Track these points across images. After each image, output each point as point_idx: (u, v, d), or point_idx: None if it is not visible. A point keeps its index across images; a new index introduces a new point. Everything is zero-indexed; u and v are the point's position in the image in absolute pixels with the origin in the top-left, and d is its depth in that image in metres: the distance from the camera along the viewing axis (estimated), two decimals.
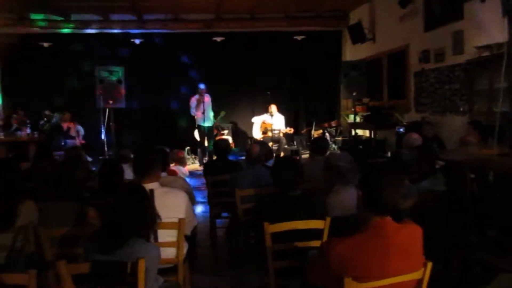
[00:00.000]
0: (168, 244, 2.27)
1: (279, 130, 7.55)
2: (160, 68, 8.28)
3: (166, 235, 2.28)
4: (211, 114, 7.42)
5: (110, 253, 1.69)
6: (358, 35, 7.79)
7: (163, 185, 2.39)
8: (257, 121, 7.81)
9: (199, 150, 7.44)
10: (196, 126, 7.33)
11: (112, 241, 1.72)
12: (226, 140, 4.04)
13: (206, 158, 7.14)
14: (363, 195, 1.55)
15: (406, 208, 1.54)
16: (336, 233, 1.76)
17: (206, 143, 7.35)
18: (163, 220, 2.23)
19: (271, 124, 7.28)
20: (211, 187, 3.46)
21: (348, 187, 2.42)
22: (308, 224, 2.11)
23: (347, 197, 2.41)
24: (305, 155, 7.44)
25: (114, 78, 6.25)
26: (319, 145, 3.67)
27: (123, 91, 6.29)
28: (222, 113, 7.64)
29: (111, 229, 1.74)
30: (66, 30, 7.52)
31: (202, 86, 7.07)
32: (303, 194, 2.29)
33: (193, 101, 7.10)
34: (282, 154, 7.26)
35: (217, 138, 7.76)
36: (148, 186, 2.26)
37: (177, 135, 8.25)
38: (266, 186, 2.74)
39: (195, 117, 7.24)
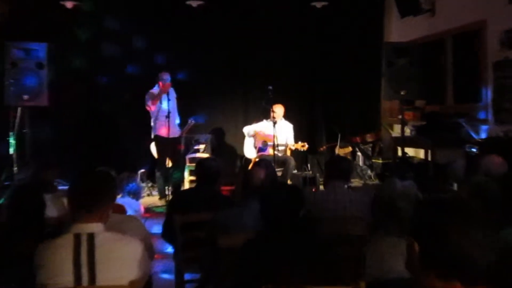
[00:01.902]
0: None
1: (286, 146, 7.59)
2: (102, 48, 8.34)
3: None
4: (178, 119, 7.48)
5: None
6: (409, 5, 7.97)
7: (109, 227, 2.42)
8: (251, 131, 7.88)
9: (158, 174, 7.45)
10: (153, 136, 7.36)
11: None
12: (217, 161, 4.09)
13: (169, 188, 7.14)
14: (419, 248, 1.59)
15: (482, 267, 1.59)
16: None
17: (169, 164, 7.36)
18: (106, 282, 2.27)
19: (273, 137, 7.29)
20: (180, 232, 3.48)
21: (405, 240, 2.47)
22: None
23: (400, 254, 2.46)
24: None
25: (32, 61, 6.28)
26: (338, 167, 3.75)
27: (45, 81, 6.31)
28: (191, 121, 7.66)
29: None
30: None
31: (166, 76, 7.12)
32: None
33: (151, 94, 7.14)
34: (288, 183, 7.28)
35: (190, 156, 7.83)
36: (88, 228, 2.30)
37: (125, 150, 8.26)
38: None
39: (153, 123, 7.27)
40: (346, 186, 3.82)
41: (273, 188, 2.79)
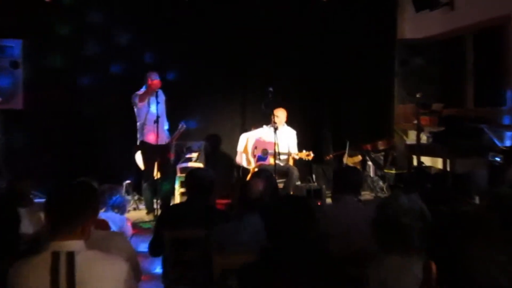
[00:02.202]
0: None
1: (288, 155, 7.59)
2: (84, 45, 8.34)
3: None
4: (166, 124, 7.50)
5: None
6: None
7: (90, 245, 2.42)
8: (241, 146, 7.83)
9: (145, 185, 7.44)
10: (139, 143, 7.35)
11: None
12: (211, 172, 4.10)
13: (158, 201, 7.14)
14: (437, 269, 1.59)
15: None
16: None
17: (157, 175, 7.34)
18: None
19: (274, 144, 7.28)
20: (170, 249, 3.48)
21: (410, 259, 2.48)
22: None
23: (405, 275, 2.46)
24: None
25: (6, 59, 6.29)
26: (347, 179, 3.78)
27: (20, 81, 6.32)
28: (182, 126, 7.65)
29: None
30: None
31: (154, 76, 7.12)
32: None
33: (138, 100, 7.15)
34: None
35: (181, 165, 7.81)
36: (67, 245, 2.29)
37: (108, 159, 8.26)
38: None
39: (139, 128, 7.27)
40: (356, 199, 3.82)
41: (279, 200, 2.77)
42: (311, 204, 2.69)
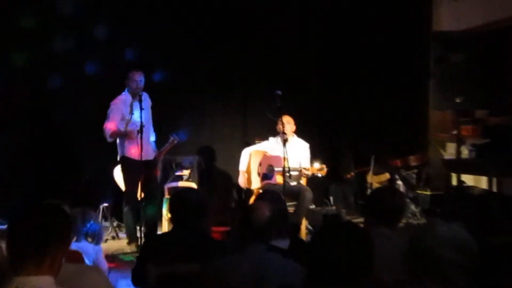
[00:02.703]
0: None
1: (300, 171, 7.56)
2: (53, 39, 8.37)
3: None
4: (153, 136, 7.54)
5: None
6: None
7: (61, 281, 2.44)
8: (244, 164, 7.82)
9: (126, 209, 7.43)
10: (120, 158, 7.37)
11: None
12: (200, 193, 4.10)
13: (141, 229, 7.14)
14: None
15: None
16: None
17: (141, 196, 7.35)
18: None
19: (283, 159, 7.27)
20: (156, 287, 3.48)
21: None
22: None
23: None
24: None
25: None
26: (384, 206, 3.73)
27: None
28: (174, 138, 7.66)
29: None
30: None
31: (139, 77, 7.13)
32: None
33: (117, 107, 7.15)
34: (304, 222, 7.26)
35: (169, 185, 7.81)
36: (33, 282, 2.31)
37: (82, 177, 8.27)
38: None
39: (119, 141, 7.27)
40: (388, 230, 3.74)
41: (333, 229, 2.71)
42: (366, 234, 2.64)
